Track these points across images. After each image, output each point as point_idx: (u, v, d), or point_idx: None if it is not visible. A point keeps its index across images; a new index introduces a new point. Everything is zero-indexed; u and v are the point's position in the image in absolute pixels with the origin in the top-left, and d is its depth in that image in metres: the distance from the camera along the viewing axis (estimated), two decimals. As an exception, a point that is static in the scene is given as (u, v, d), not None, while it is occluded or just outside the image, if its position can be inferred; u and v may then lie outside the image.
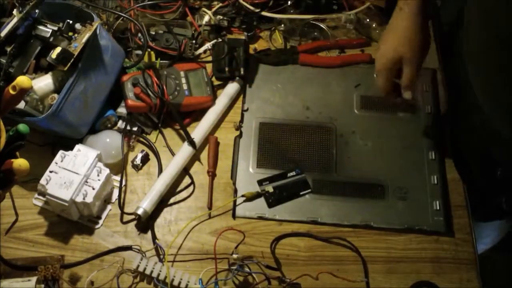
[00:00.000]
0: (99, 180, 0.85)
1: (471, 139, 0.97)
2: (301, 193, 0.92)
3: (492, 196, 1.03)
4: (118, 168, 0.93)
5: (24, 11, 0.86)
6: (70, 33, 0.89)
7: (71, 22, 0.89)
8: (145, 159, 0.95)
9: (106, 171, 0.87)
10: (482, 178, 0.99)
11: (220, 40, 1.03)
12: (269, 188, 0.92)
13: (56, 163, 0.85)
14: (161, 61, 1.01)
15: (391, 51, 0.86)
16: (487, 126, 0.87)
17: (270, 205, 0.92)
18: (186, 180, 0.94)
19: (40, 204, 0.90)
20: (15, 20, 0.87)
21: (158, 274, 0.82)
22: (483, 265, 0.89)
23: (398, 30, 0.85)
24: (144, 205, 0.88)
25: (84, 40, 0.87)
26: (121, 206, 0.90)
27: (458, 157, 0.98)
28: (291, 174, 0.94)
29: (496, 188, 0.99)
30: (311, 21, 1.09)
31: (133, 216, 0.90)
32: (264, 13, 1.07)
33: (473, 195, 0.95)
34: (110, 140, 0.94)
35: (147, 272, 0.83)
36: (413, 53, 0.85)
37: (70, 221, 0.89)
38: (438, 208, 0.91)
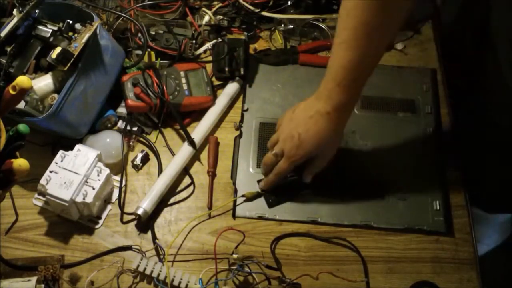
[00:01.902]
0: (99, 180, 0.85)
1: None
2: (301, 193, 0.92)
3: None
4: (118, 168, 0.93)
5: (24, 11, 0.86)
6: (70, 33, 0.89)
7: (71, 22, 0.89)
8: (145, 159, 0.95)
9: (106, 171, 0.87)
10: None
11: (220, 40, 1.03)
12: (269, 188, 0.92)
13: (56, 163, 0.85)
14: (161, 61, 1.01)
15: (314, 148, 0.85)
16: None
17: (270, 205, 0.91)
18: (186, 180, 0.94)
19: (40, 204, 0.90)
20: (15, 20, 0.87)
21: (158, 274, 0.82)
22: (483, 265, 0.89)
23: (325, 132, 0.83)
24: (144, 205, 0.88)
25: (84, 40, 0.87)
26: (121, 206, 0.90)
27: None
28: (291, 174, 0.93)
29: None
30: (311, 21, 1.09)
31: (133, 216, 0.90)
32: (264, 13, 1.07)
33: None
34: (110, 140, 0.94)
35: (147, 272, 0.83)
36: (331, 154, 0.87)
37: (70, 221, 0.89)
38: (438, 208, 0.91)
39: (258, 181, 0.93)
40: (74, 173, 0.84)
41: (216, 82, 1.04)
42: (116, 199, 0.91)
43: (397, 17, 0.76)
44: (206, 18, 1.07)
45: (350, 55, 0.76)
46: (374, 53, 0.79)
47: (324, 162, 0.87)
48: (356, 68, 0.77)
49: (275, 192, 0.92)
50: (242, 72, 1.01)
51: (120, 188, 0.91)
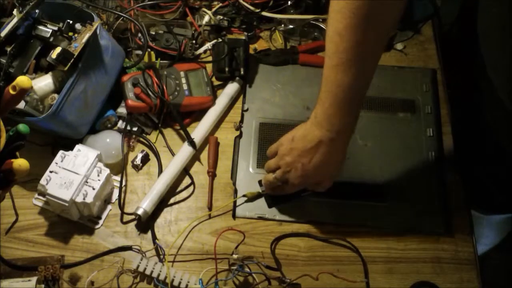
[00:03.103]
0: (99, 180, 0.85)
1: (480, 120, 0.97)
2: (301, 193, 0.92)
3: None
4: (118, 168, 0.93)
5: (24, 11, 0.86)
6: (70, 33, 0.89)
7: (71, 22, 0.89)
8: (145, 159, 0.95)
9: (106, 171, 0.87)
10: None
11: (220, 40, 1.03)
12: (269, 188, 0.92)
13: (56, 163, 0.85)
14: (161, 61, 1.01)
15: (319, 176, 0.85)
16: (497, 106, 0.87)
17: (270, 205, 0.92)
18: (186, 180, 0.94)
19: (40, 204, 0.90)
20: (15, 20, 0.87)
21: (158, 274, 0.82)
22: (483, 265, 0.89)
23: (331, 159, 0.82)
24: (144, 205, 0.88)
25: (84, 40, 0.87)
26: (121, 206, 0.90)
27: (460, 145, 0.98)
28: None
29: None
30: (311, 21, 1.09)
31: (133, 216, 0.89)
32: (264, 13, 1.07)
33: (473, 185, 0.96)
34: (110, 140, 0.94)
35: (147, 272, 0.83)
36: (337, 174, 0.87)
37: (70, 221, 0.89)
38: (438, 208, 0.91)
39: (259, 182, 0.93)
40: (74, 173, 0.84)
41: (216, 82, 1.04)
42: (116, 199, 0.91)
43: (387, 30, 0.75)
44: (206, 18, 1.07)
45: (348, 77, 0.74)
46: (371, 69, 0.77)
47: (330, 183, 0.87)
48: (355, 89, 0.76)
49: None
50: (242, 72, 1.01)
51: (120, 188, 0.91)
